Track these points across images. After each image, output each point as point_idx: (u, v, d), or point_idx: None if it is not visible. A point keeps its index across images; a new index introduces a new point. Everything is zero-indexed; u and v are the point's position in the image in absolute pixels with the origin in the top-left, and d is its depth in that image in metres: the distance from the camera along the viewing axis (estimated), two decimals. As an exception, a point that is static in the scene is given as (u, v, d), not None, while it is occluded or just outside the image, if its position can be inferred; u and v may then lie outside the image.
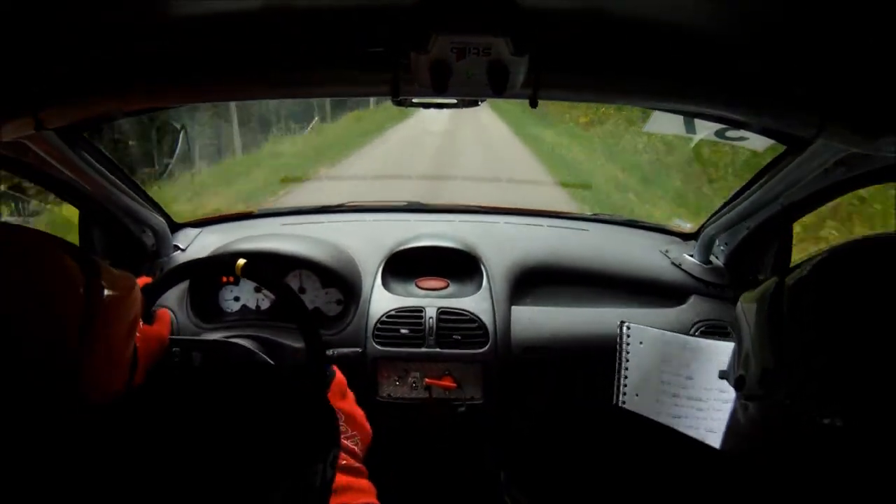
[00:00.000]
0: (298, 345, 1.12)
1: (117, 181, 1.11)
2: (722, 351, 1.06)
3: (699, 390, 1.04)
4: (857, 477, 0.40)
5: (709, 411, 1.02)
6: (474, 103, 0.79)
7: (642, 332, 1.09)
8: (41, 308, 0.49)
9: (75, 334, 0.50)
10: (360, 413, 0.92)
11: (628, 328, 1.09)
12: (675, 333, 1.10)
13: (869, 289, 0.42)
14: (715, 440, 1.00)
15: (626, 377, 1.06)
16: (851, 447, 0.40)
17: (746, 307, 0.52)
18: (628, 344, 1.08)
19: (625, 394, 1.06)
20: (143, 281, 0.88)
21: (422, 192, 2.49)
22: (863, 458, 0.39)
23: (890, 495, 0.39)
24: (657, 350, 1.07)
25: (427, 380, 1.21)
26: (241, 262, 0.89)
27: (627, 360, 1.07)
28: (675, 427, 1.03)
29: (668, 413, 1.03)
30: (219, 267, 1.03)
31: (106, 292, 0.53)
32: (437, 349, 1.22)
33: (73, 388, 0.50)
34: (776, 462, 0.44)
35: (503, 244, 1.41)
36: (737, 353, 0.54)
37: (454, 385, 1.21)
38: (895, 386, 0.39)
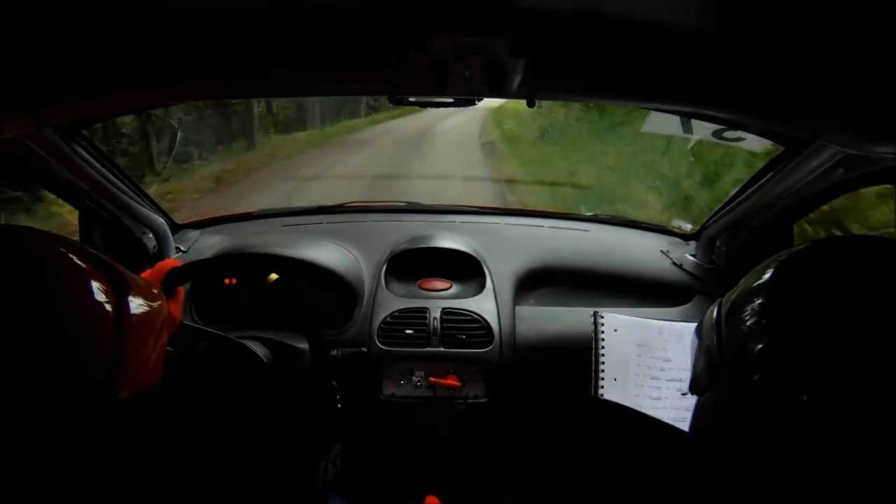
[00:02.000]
0: (302, 345, 1.12)
1: (117, 180, 1.11)
2: None
3: (678, 371, 1.06)
4: (818, 452, 0.41)
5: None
6: (471, 102, 0.79)
7: (616, 319, 1.11)
8: (71, 331, 0.48)
9: (109, 349, 0.50)
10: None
11: (602, 317, 1.11)
12: (649, 319, 1.11)
13: (804, 280, 0.44)
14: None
15: (603, 363, 1.08)
16: (817, 420, 0.41)
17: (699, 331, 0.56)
18: (603, 332, 1.09)
19: (603, 379, 1.07)
20: (170, 263, 0.86)
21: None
22: (831, 432, 0.40)
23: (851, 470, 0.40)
24: (633, 336, 1.09)
25: (431, 378, 1.21)
26: (274, 276, 0.89)
27: (603, 348, 1.09)
28: (656, 408, 1.04)
29: (648, 395, 1.05)
30: (251, 272, 1.00)
31: (134, 310, 0.53)
32: (442, 349, 1.22)
33: (104, 395, 0.50)
34: (736, 443, 0.46)
35: (505, 245, 1.41)
36: (692, 366, 0.57)
37: (458, 384, 1.21)
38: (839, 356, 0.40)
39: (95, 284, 0.51)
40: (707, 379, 0.50)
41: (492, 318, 1.25)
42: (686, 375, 1.04)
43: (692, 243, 1.42)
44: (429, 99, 0.80)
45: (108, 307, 0.50)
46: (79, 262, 0.51)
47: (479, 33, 0.63)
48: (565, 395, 1.22)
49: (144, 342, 0.55)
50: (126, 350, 0.52)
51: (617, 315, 1.11)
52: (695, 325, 1.07)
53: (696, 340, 0.57)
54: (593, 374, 1.07)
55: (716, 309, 0.52)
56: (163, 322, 0.60)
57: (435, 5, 0.63)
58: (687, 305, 1.31)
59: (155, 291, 0.59)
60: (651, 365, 1.07)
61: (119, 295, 0.52)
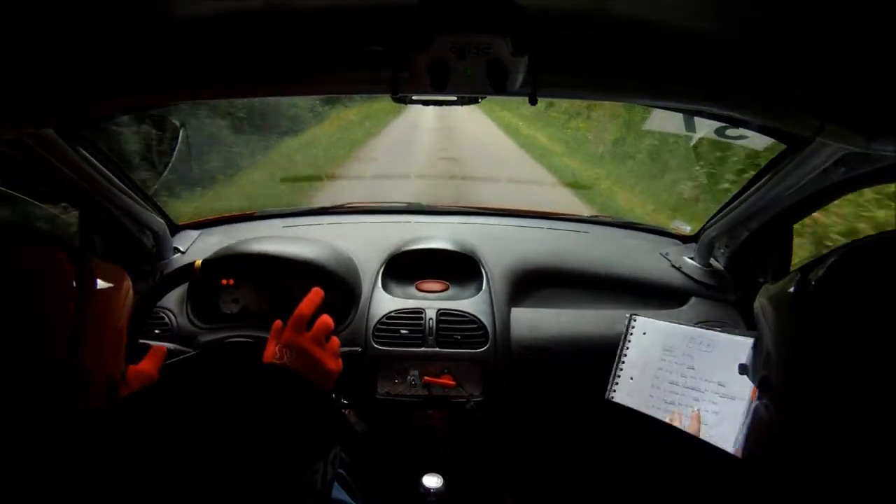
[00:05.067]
0: None
1: (117, 181, 1.11)
2: (728, 345, 1.06)
3: (699, 381, 1.05)
4: (877, 480, 0.39)
5: (704, 402, 1.02)
6: (474, 100, 0.79)
7: (647, 323, 1.11)
8: (32, 306, 0.46)
9: (68, 331, 0.48)
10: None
11: (635, 320, 1.12)
12: (682, 325, 1.10)
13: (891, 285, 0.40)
14: (706, 432, 0.99)
15: (623, 361, 1.10)
16: (878, 448, 0.39)
17: (765, 304, 0.51)
18: (632, 334, 1.11)
19: (619, 376, 1.08)
20: (161, 349, 0.78)
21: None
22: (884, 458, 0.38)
23: None
24: (660, 340, 1.10)
25: (426, 378, 1.21)
26: (198, 262, 0.89)
27: (628, 349, 1.10)
28: (666, 411, 1.03)
29: (662, 398, 1.05)
30: (182, 273, 1.00)
31: (98, 283, 0.51)
32: (437, 349, 1.22)
33: (63, 392, 0.48)
34: (795, 463, 0.44)
35: (503, 246, 1.41)
36: (757, 349, 0.53)
37: (453, 383, 1.21)
38: None
39: (52, 255, 0.49)
40: (783, 390, 0.47)
41: (487, 319, 1.25)
42: (706, 387, 1.04)
43: (691, 245, 1.43)
44: (431, 97, 0.80)
45: (70, 278, 0.49)
46: (36, 238, 0.50)
47: (481, 33, 0.64)
48: (568, 397, 1.22)
49: (107, 325, 0.53)
50: (88, 327, 0.49)
51: (652, 320, 1.12)
52: (728, 336, 1.07)
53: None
54: (613, 369, 1.09)
55: (789, 297, 0.47)
56: (128, 313, 0.57)
57: (437, 6, 0.63)
58: (684, 307, 1.32)
59: (120, 273, 0.57)
60: (672, 370, 1.07)
61: (80, 268, 0.50)
